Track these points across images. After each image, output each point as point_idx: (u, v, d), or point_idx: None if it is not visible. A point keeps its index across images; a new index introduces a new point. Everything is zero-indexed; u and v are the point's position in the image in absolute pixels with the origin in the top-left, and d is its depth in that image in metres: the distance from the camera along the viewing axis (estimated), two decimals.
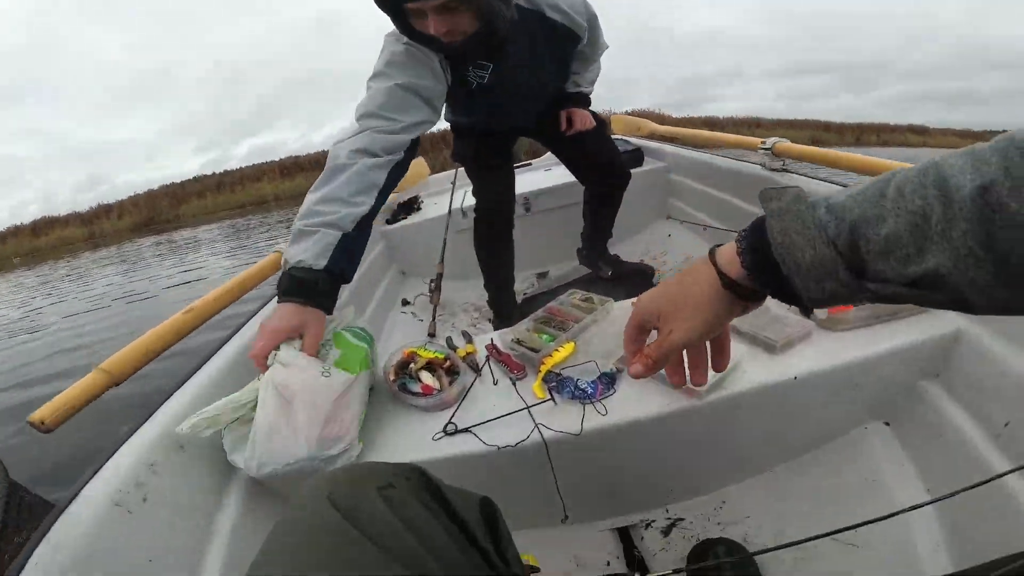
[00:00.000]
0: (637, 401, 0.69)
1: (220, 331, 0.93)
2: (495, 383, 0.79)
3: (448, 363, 0.81)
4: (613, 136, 1.94)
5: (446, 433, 0.70)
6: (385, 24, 0.97)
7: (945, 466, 0.69)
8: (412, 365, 0.80)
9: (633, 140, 2.17)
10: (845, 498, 0.74)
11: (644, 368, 0.42)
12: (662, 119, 2.80)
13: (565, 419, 0.68)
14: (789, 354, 0.71)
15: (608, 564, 0.77)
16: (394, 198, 2.22)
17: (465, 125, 1.40)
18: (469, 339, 0.93)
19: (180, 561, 0.59)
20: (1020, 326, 0.63)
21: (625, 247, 1.91)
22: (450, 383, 0.76)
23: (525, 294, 1.81)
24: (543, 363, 0.77)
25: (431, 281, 1.59)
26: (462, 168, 1.68)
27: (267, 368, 0.67)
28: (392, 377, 0.78)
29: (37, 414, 0.64)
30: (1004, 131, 0.26)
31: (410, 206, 2.15)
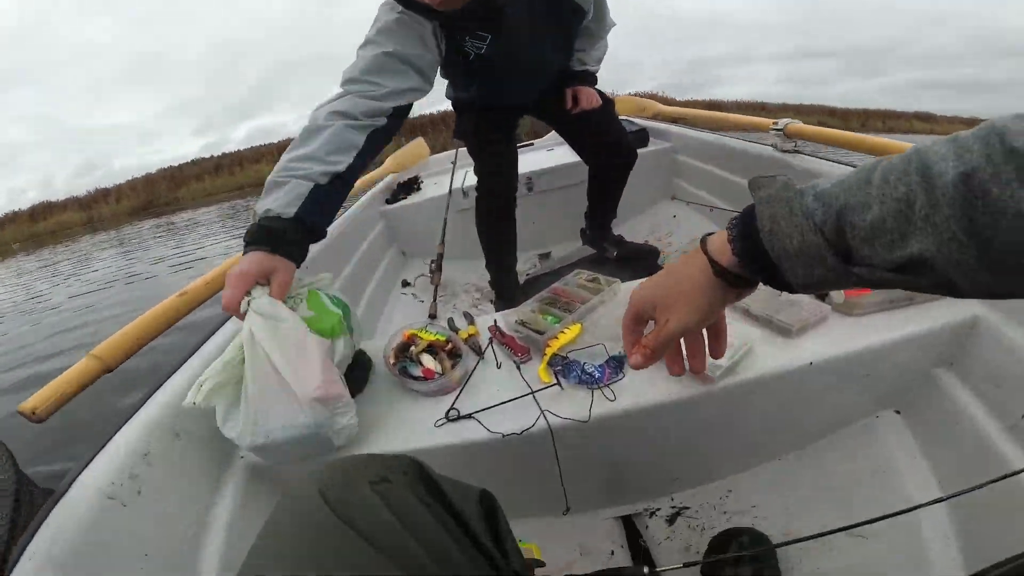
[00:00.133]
0: (648, 386, 0.66)
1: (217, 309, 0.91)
2: (498, 366, 0.77)
3: (450, 345, 0.78)
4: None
5: (448, 419, 0.68)
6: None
7: (958, 457, 0.67)
8: (413, 348, 0.77)
9: (638, 121, 2.13)
10: (854, 488, 0.72)
11: (643, 358, 0.43)
12: (666, 102, 2.74)
13: (572, 405, 0.65)
14: (804, 338, 0.69)
15: (612, 553, 0.75)
16: (394, 178, 2.18)
17: (465, 100, 1.37)
18: (471, 320, 0.90)
19: (176, 555, 0.58)
20: None
21: (629, 228, 1.89)
22: (452, 366, 0.74)
23: (527, 275, 1.78)
24: (548, 345, 0.74)
25: (432, 262, 1.57)
26: (463, 148, 1.65)
27: (244, 316, 0.63)
28: (392, 360, 0.76)
29: (28, 403, 0.62)
30: None
31: (410, 186, 2.12)
